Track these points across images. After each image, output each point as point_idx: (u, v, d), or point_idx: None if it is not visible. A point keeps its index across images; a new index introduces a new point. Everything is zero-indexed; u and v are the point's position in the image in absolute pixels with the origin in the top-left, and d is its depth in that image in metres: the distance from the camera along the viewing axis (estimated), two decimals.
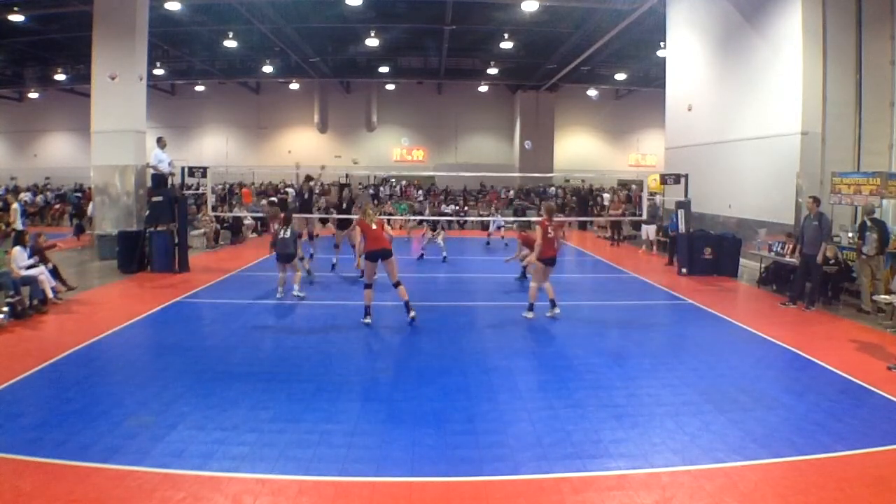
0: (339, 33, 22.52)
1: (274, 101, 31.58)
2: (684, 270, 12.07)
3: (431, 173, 30.61)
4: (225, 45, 22.47)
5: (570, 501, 3.69)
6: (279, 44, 21.95)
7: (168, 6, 16.30)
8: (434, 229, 14.26)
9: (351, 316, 8.45)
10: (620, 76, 26.83)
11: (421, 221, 15.78)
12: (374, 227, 7.91)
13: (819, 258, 8.87)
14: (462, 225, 22.16)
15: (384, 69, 27.09)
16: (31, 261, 8.70)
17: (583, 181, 28.47)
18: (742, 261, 12.31)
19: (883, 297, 8.13)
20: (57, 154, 31.94)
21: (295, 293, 9.40)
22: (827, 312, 8.98)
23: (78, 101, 27.39)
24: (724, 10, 14.09)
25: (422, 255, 13.83)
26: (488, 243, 17.17)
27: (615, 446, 4.38)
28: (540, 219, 8.58)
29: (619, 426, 4.74)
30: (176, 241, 11.84)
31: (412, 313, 7.87)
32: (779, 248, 10.65)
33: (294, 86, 30.25)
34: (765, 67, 12.58)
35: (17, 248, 8.59)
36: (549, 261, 8.26)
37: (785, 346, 7.10)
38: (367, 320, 7.84)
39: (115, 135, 13.48)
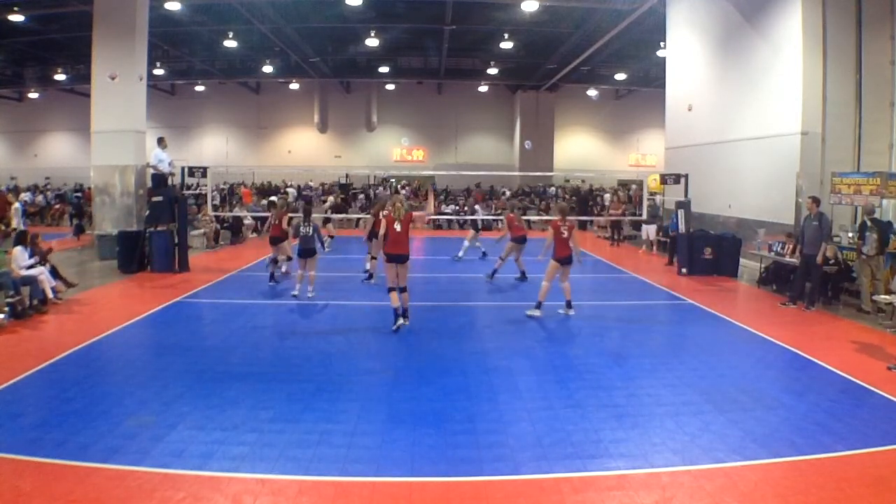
0: (339, 33, 22.53)
1: (274, 101, 31.59)
2: (684, 270, 12.07)
3: (431, 173, 30.62)
4: (225, 45, 22.48)
5: (570, 501, 3.69)
6: (279, 44, 21.95)
7: (168, 6, 16.31)
8: (476, 230, 14.48)
9: (351, 316, 8.46)
10: (620, 76, 26.84)
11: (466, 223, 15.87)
12: (398, 228, 7.56)
13: (819, 258, 8.86)
14: (462, 225, 22.15)
15: (384, 69, 27.10)
16: (32, 260, 8.70)
17: (583, 181, 28.49)
18: (742, 261, 12.31)
19: (883, 297, 8.13)
20: (57, 154, 31.96)
21: (309, 294, 9.35)
22: (827, 312, 8.98)
23: (78, 101, 27.40)
24: (724, 10, 14.10)
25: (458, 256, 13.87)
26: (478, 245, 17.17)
27: (615, 446, 4.38)
28: (553, 218, 8.59)
29: (619, 426, 4.74)
30: (176, 241, 11.85)
31: (400, 321, 7.54)
32: (779, 248, 10.65)
33: (294, 86, 30.27)
34: (765, 67, 12.58)
35: (18, 248, 8.59)
36: (564, 260, 8.26)
37: (785, 346, 7.10)
38: (402, 322, 7.56)
39: (115, 135, 13.48)
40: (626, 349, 6.96)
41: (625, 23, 17.38)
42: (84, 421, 4.68)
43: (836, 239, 10.06)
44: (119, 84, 13.47)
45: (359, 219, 22.54)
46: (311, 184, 27.99)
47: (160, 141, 12.52)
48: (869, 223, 8.93)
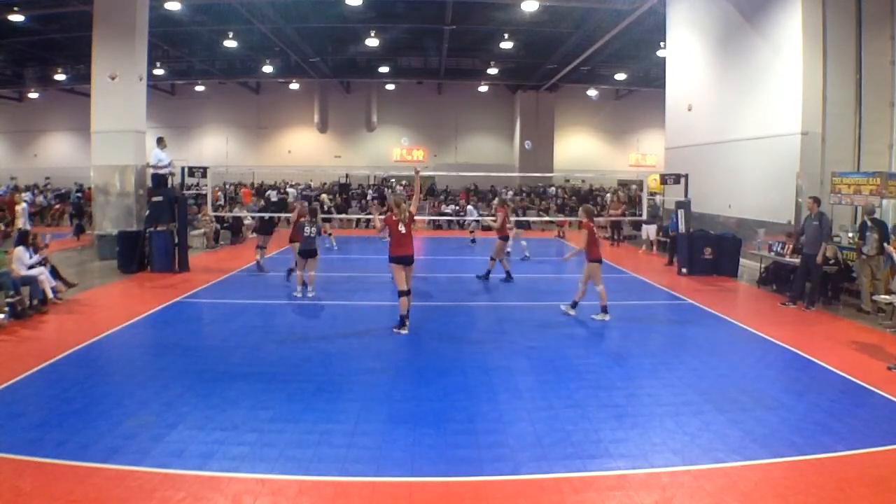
0: (339, 33, 22.52)
1: (274, 101, 31.57)
2: (684, 270, 12.07)
3: (431, 173, 30.61)
4: (225, 45, 22.47)
5: (570, 501, 3.69)
6: (279, 44, 21.94)
7: (168, 6, 16.30)
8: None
9: (351, 316, 8.45)
10: (620, 76, 26.83)
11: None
12: (402, 229, 7.35)
13: (819, 258, 8.86)
14: (462, 225, 22.17)
15: (384, 69, 27.09)
16: (35, 259, 8.69)
17: (583, 181, 28.48)
18: (742, 261, 12.31)
19: (883, 297, 8.14)
20: (57, 154, 31.93)
21: (310, 294, 9.44)
22: (827, 312, 8.98)
23: (78, 101, 27.38)
24: (724, 10, 14.10)
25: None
26: (473, 241, 17.23)
27: (615, 446, 4.38)
28: (583, 220, 8.55)
29: (619, 426, 4.74)
30: (176, 241, 11.85)
31: (403, 329, 7.38)
32: (779, 248, 10.65)
33: (294, 86, 30.25)
34: (765, 67, 12.58)
35: (20, 248, 8.59)
36: (601, 260, 8.32)
37: (785, 346, 7.10)
38: (404, 331, 7.36)
39: (115, 135, 13.48)
40: (626, 349, 6.97)
41: (625, 23, 17.37)
42: (84, 421, 4.68)
43: (836, 239, 10.06)
44: (119, 84, 13.47)
45: (358, 219, 22.56)
46: (311, 184, 27.98)
47: (160, 141, 12.52)
48: (869, 223, 8.93)
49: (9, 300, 7.85)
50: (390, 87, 30.73)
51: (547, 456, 4.23)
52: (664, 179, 14.09)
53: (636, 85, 28.09)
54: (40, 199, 24.15)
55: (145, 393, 5.34)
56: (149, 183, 13.00)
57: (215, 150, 31.30)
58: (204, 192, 14.60)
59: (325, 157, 31.39)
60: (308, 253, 9.47)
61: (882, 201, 9.69)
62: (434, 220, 23.22)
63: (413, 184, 28.27)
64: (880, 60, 11.40)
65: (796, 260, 9.83)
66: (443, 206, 24.75)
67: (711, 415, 4.98)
